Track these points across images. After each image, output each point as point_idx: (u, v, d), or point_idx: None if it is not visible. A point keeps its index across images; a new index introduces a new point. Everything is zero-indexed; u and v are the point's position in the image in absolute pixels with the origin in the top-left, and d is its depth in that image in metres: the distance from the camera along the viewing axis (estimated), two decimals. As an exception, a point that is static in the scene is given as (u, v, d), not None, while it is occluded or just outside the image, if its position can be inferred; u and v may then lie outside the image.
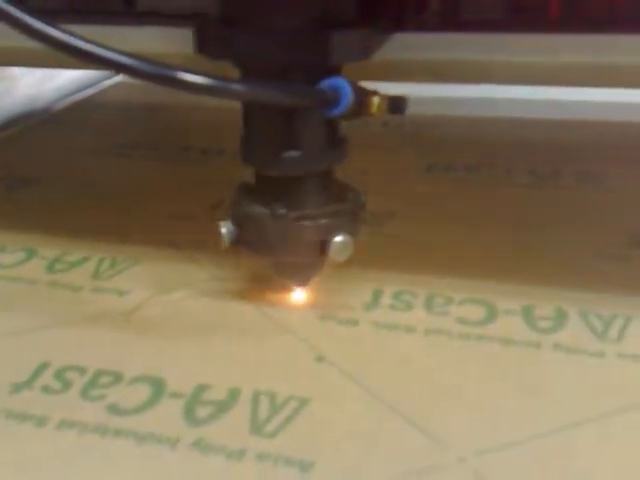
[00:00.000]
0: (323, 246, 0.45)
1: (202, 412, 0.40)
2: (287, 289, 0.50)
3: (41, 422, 0.39)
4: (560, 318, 0.48)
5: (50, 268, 0.55)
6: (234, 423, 0.39)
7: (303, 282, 0.49)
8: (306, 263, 0.48)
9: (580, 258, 0.56)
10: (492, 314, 0.49)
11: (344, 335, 0.47)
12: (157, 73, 0.37)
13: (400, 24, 0.46)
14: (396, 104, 0.42)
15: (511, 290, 0.51)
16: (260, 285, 0.51)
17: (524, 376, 0.43)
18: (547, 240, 0.59)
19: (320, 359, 0.45)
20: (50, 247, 0.58)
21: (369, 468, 0.36)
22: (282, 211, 0.44)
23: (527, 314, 0.48)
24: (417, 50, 0.47)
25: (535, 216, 0.64)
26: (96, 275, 0.54)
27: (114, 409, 0.40)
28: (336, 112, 0.40)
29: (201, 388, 0.42)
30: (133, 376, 0.43)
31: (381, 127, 0.84)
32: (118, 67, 0.37)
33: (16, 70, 0.89)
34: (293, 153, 0.43)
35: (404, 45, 0.46)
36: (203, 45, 0.43)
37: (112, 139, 0.82)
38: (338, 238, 0.45)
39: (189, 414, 0.40)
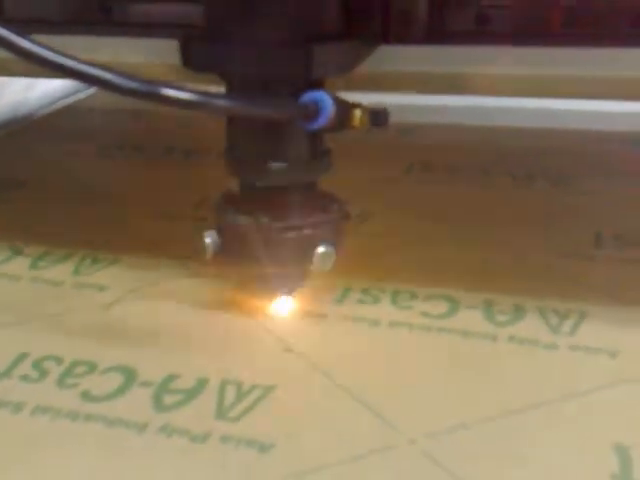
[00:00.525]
0: (307, 256, 0.46)
1: (170, 399, 0.42)
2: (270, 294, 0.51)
3: (17, 408, 0.41)
4: (518, 312, 0.50)
5: (33, 265, 0.57)
6: (200, 409, 0.41)
7: (287, 291, 0.50)
8: (291, 273, 0.48)
9: (545, 257, 0.58)
10: (454, 309, 0.51)
11: (313, 328, 0.49)
12: (140, 89, 0.37)
13: (385, 37, 0.47)
14: (377, 117, 0.43)
15: (474, 286, 0.53)
16: (240, 286, 0.53)
17: (477, 365, 0.45)
18: (516, 239, 0.61)
19: (288, 350, 0.47)
20: (35, 246, 0.60)
21: (326, 450, 0.38)
22: (266, 221, 0.45)
23: (487, 309, 0.51)
24: (403, 62, 0.48)
25: (508, 216, 0.66)
26: (77, 272, 0.56)
27: (87, 396, 0.42)
28: (317, 125, 0.41)
29: (170, 378, 0.44)
30: (107, 366, 0.45)
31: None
32: (100, 83, 0.38)
33: (1, 78, 0.92)
34: (277, 164, 0.44)
35: (390, 57, 0.47)
36: (188, 58, 0.44)
37: (97, 142, 0.85)
38: (321, 249, 0.46)
39: (158, 401, 0.42)
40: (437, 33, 0.48)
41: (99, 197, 0.69)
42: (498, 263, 0.57)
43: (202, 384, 0.43)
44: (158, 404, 0.42)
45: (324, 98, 0.41)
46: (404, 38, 0.48)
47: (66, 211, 0.67)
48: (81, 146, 0.84)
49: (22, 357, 0.46)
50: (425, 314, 0.50)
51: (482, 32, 0.49)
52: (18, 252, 0.60)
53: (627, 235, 0.61)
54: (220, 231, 0.47)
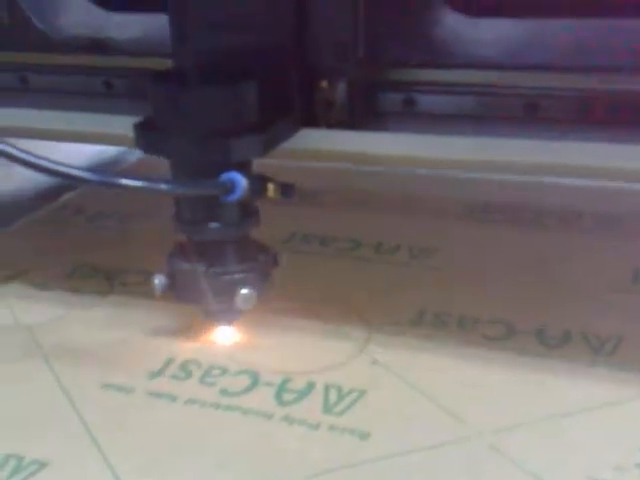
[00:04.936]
0: (234, 296, 0.56)
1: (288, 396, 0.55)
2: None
3: (172, 399, 0.54)
4: (565, 337, 0.61)
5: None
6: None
7: (228, 322, 0.61)
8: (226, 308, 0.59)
9: (590, 290, 0.68)
10: (511, 332, 0.62)
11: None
12: (102, 180, 0.50)
13: (307, 122, 0.57)
14: (287, 191, 0.55)
15: (529, 313, 0.64)
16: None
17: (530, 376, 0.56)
18: (565, 274, 0.71)
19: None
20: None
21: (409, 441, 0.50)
22: (203, 267, 0.56)
23: (539, 333, 0.62)
24: (325, 142, 0.57)
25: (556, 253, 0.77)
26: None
27: (224, 392, 0.55)
28: (232, 198, 0.52)
29: (286, 380, 0.56)
30: (237, 370, 0.58)
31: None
32: (68, 177, 0.50)
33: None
34: (213, 224, 0.55)
35: (312, 137, 0.57)
36: (139, 143, 0.55)
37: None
38: (244, 290, 0.57)
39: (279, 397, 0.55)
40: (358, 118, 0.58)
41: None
42: (549, 294, 0.68)
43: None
44: (279, 399, 0.54)
45: (237, 178, 0.52)
46: (326, 123, 0.58)
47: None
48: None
49: (170, 361, 0.59)
50: (485, 336, 0.62)
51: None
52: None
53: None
54: (168, 274, 0.58)
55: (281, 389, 0.55)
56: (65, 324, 0.65)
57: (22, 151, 0.49)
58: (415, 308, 0.65)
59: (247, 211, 0.57)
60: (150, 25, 0.77)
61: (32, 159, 0.49)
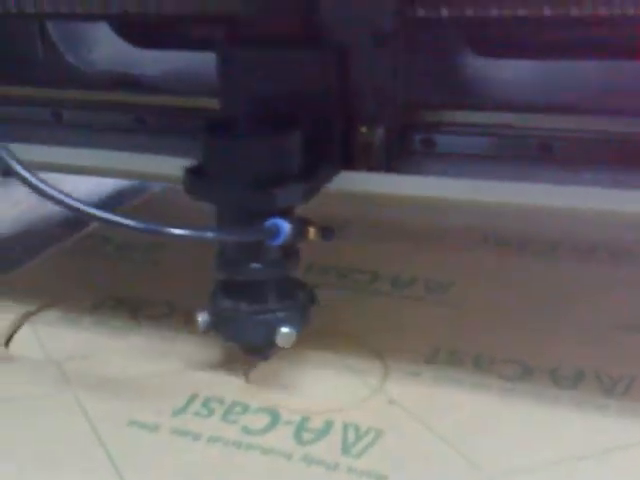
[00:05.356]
0: (273, 334, 0.58)
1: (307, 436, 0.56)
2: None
3: (196, 437, 0.56)
4: (578, 377, 0.62)
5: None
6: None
7: (264, 358, 0.63)
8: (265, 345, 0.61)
9: (602, 328, 0.69)
10: (527, 372, 0.63)
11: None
12: (150, 229, 0.52)
13: (347, 166, 0.61)
14: (327, 234, 0.58)
15: (542, 352, 0.66)
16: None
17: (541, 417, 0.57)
18: (579, 310, 0.73)
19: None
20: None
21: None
22: (245, 306, 0.59)
23: (553, 372, 0.63)
24: (362, 184, 0.62)
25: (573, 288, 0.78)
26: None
27: (246, 430, 0.57)
28: (277, 242, 0.55)
29: (305, 419, 0.58)
30: (257, 407, 0.60)
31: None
32: (117, 225, 0.52)
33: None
34: (256, 265, 0.58)
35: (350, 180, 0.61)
36: (188, 189, 0.58)
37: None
38: (285, 329, 0.58)
39: (298, 436, 0.56)
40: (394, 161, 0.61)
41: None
42: (563, 331, 0.69)
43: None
44: (298, 439, 0.56)
45: (280, 224, 0.55)
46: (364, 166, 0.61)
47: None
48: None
49: (193, 397, 0.61)
50: (501, 376, 0.63)
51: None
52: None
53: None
54: (211, 311, 0.61)
55: (300, 428, 0.57)
56: (93, 358, 0.67)
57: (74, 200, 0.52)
58: (430, 345, 0.67)
59: (288, 252, 0.59)
60: (179, 62, 0.80)
61: (82, 207, 0.51)
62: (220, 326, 0.61)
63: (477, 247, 0.88)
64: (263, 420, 0.58)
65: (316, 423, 0.58)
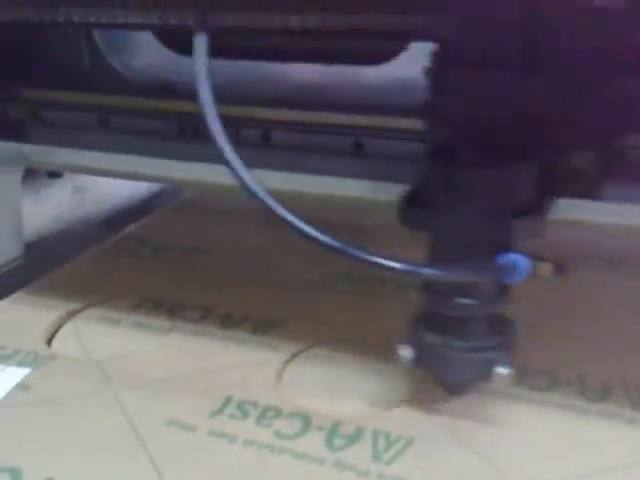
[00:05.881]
0: (488, 374, 0.55)
1: (338, 442, 0.58)
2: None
3: (232, 439, 0.58)
4: (607, 390, 0.63)
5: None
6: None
7: (460, 393, 0.61)
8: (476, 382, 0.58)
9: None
10: (554, 383, 0.64)
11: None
12: (362, 257, 0.47)
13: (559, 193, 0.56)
14: (559, 269, 0.53)
15: (571, 363, 0.66)
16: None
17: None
18: (612, 319, 0.73)
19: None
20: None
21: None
22: (457, 343, 0.55)
23: (581, 383, 0.64)
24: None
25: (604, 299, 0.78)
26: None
27: (279, 434, 0.59)
28: (513, 281, 0.50)
29: (337, 424, 0.60)
30: (290, 412, 0.61)
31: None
32: (332, 249, 0.47)
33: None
34: (469, 301, 0.54)
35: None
36: (404, 219, 0.54)
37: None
38: (502, 369, 0.55)
39: (329, 442, 0.58)
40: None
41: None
42: (591, 342, 0.70)
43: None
44: (330, 444, 0.58)
45: (519, 260, 0.50)
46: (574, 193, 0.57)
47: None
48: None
49: (228, 400, 0.63)
50: (531, 387, 0.64)
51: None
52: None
53: None
54: (414, 345, 0.58)
55: (332, 433, 0.59)
56: (132, 358, 0.69)
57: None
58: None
59: (505, 287, 0.55)
60: (221, 71, 0.81)
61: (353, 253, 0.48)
62: (426, 361, 0.58)
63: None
64: (295, 425, 0.60)
65: (347, 429, 0.59)
